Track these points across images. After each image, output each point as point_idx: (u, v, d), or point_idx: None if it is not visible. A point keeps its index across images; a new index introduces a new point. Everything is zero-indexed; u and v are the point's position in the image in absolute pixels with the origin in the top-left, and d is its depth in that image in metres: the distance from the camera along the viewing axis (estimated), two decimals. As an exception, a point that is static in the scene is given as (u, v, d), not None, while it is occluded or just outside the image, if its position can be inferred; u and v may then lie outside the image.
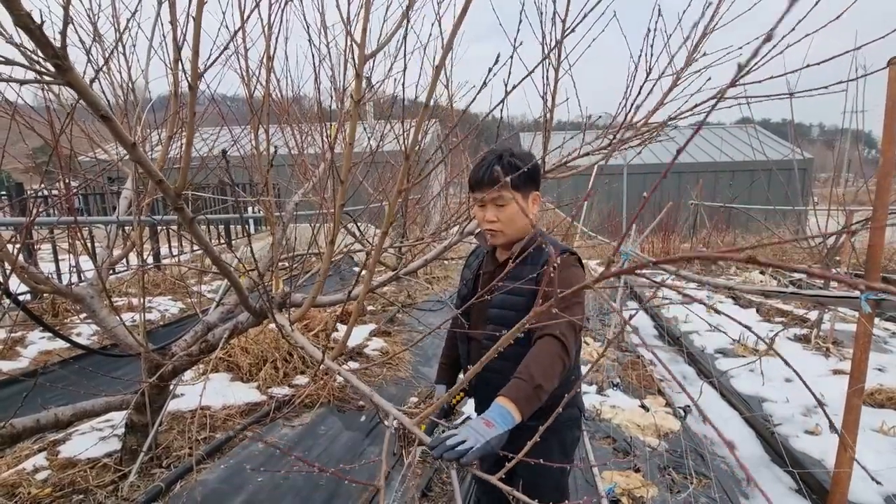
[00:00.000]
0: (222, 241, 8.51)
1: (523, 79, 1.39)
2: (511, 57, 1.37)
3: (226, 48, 1.17)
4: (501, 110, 1.53)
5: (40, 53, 0.77)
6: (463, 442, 1.05)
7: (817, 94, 1.44)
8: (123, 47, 2.22)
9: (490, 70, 1.10)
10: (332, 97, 2.74)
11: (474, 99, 1.24)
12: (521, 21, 1.40)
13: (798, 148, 5.89)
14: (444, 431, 1.56)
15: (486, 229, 1.51)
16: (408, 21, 1.26)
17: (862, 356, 1.55)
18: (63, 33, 0.77)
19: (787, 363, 1.12)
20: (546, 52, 1.78)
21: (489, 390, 1.49)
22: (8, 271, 1.64)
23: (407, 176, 1.22)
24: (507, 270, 1.35)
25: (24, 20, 0.69)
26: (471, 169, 1.51)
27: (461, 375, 1.80)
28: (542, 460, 1.09)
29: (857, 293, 1.41)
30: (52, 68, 0.77)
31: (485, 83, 1.12)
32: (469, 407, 1.86)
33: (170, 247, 7.56)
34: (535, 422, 1.43)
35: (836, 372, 4.01)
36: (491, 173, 1.42)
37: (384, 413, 1.19)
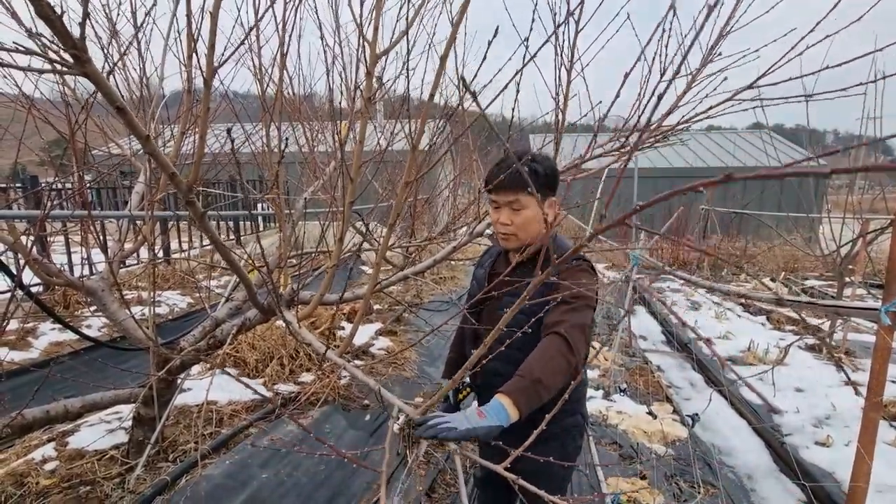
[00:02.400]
0: (231, 237, 8.57)
1: (527, 62, 1.36)
2: (524, 57, 1.36)
3: (241, 45, 1.18)
4: (513, 109, 1.52)
5: (59, 44, 0.77)
6: (447, 423, 1.06)
7: (835, 97, 1.41)
8: (139, 43, 2.24)
9: (482, 63, 1.09)
10: (343, 95, 2.75)
11: (480, 92, 1.23)
12: (533, 20, 1.39)
13: (812, 154, 5.80)
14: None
15: (498, 232, 1.48)
16: (419, 18, 1.26)
17: (881, 369, 1.51)
18: (82, 24, 0.77)
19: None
20: (558, 52, 1.77)
21: (493, 394, 1.49)
22: (22, 263, 1.66)
23: (414, 168, 1.21)
24: (515, 273, 1.34)
25: (45, 10, 0.69)
26: (489, 169, 1.49)
27: (468, 377, 1.79)
28: (542, 466, 1.08)
29: (876, 305, 1.38)
30: (70, 59, 0.78)
31: (466, 81, 1.11)
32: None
33: (179, 242, 7.62)
34: (536, 429, 1.42)
35: (848, 383, 3.94)
36: (511, 176, 1.39)
37: (389, 405, 1.18)
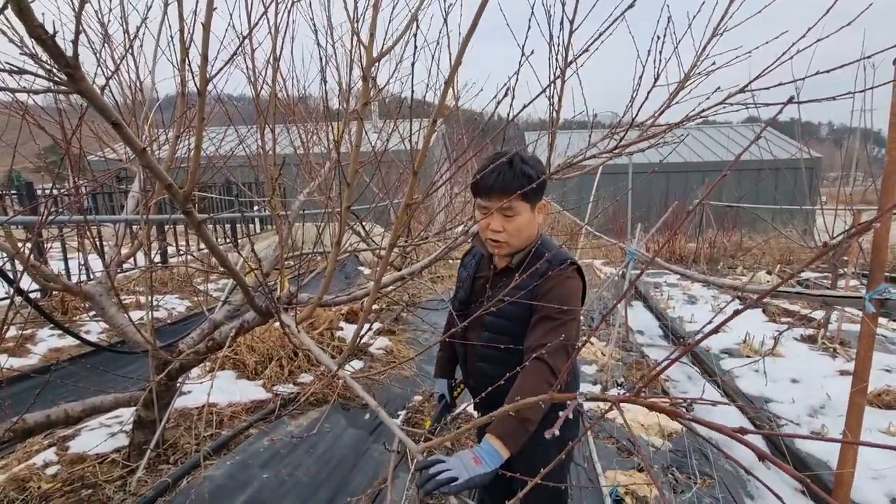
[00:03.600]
0: (228, 240, 8.56)
1: (534, 98, 1.37)
2: (520, 64, 1.37)
3: (234, 55, 1.19)
4: (508, 112, 1.53)
5: (52, 64, 0.79)
6: (448, 470, 1.08)
7: (823, 101, 1.43)
8: (132, 48, 2.24)
9: (499, 81, 1.10)
10: (338, 97, 2.75)
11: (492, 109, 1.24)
12: (529, 27, 1.40)
13: (806, 147, 5.83)
14: (446, 425, 1.61)
15: (489, 239, 1.42)
16: (416, 25, 1.27)
17: (866, 356, 1.54)
18: (75, 42, 0.78)
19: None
20: (553, 54, 1.78)
21: (491, 394, 1.50)
22: (19, 270, 1.67)
23: (414, 190, 1.22)
24: (500, 277, 1.33)
25: (37, 31, 0.70)
26: (477, 170, 1.42)
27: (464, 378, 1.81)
28: (540, 456, 1.11)
29: (860, 293, 1.41)
30: (64, 77, 0.79)
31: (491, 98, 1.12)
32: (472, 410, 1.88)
33: (177, 245, 7.62)
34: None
35: (843, 372, 3.99)
36: (502, 181, 1.32)
37: (390, 434, 1.20)
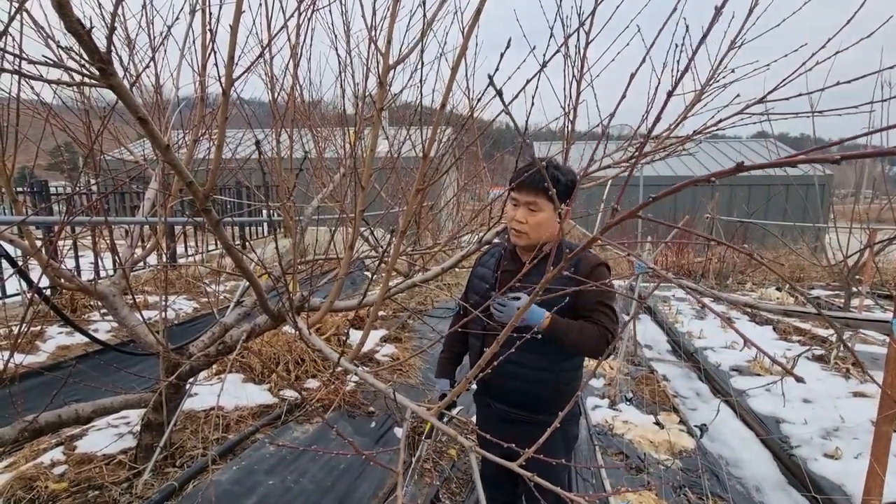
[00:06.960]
0: (238, 242, 8.61)
1: (535, 74, 1.38)
2: (538, 69, 1.37)
3: (256, 60, 1.20)
4: (526, 120, 1.54)
5: (85, 58, 0.79)
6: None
7: (843, 113, 1.42)
8: (154, 52, 2.27)
9: (494, 72, 1.10)
10: (355, 104, 2.77)
11: (488, 101, 1.24)
12: (550, 37, 1.41)
13: (817, 164, 5.79)
14: (450, 421, 1.75)
15: (512, 228, 1.59)
16: (431, 29, 1.28)
17: (893, 381, 1.50)
18: (108, 38, 0.79)
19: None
20: (570, 64, 1.78)
21: (505, 381, 1.61)
22: (32, 263, 1.67)
23: (424, 176, 1.23)
24: (528, 273, 1.40)
25: (74, 26, 0.71)
26: (517, 170, 1.63)
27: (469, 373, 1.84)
28: (545, 455, 1.13)
29: (888, 317, 1.38)
30: (95, 72, 0.80)
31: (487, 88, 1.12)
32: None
33: (185, 247, 7.67)
34: (542, 416, 1.57)
35: (856, 394, 3.91)
36: (532, 179, 1.50)
37: (402, 408, 1.20)
